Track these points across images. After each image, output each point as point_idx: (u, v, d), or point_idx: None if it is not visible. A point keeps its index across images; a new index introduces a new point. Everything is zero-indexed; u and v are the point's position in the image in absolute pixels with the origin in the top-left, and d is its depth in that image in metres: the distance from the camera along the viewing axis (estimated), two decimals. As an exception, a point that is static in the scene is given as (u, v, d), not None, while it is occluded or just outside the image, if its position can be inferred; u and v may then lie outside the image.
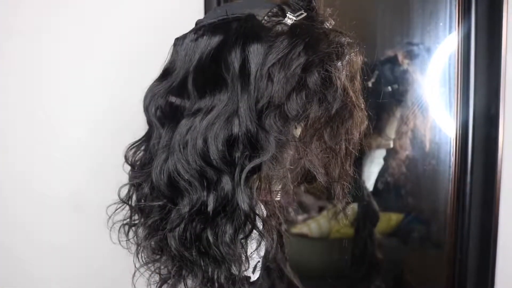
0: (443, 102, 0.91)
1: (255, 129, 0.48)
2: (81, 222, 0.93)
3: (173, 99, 0.53)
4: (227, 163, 0.50)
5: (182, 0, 0.89)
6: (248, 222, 0.51)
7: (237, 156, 0.49)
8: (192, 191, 0.51)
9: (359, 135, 0.58)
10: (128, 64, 0.90)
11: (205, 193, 0.50)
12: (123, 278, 0.61)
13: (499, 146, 0.85)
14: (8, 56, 0.92)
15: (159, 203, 0.53)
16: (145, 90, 0.57)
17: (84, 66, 0.91)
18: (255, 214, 0.51)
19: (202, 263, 0.52)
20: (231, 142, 0.49)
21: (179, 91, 0.53)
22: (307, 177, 0.61)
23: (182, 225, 0.51)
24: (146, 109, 0.56)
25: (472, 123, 0.87)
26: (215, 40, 0.51)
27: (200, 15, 0.85)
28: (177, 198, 0.52)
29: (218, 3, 0.85)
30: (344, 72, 0.54)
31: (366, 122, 0.59)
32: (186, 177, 0.50)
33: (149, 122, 0.57)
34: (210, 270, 0.52)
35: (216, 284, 0.52)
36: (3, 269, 0.97)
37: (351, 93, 0.54)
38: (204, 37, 0.52)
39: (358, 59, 0.59)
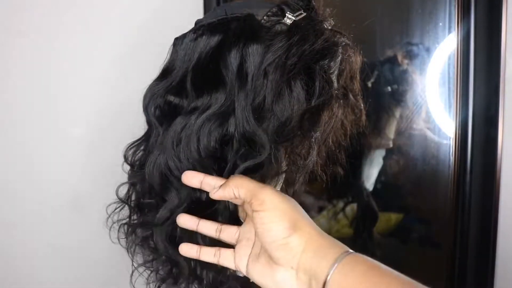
0: (443, 102, 0.91)
1: (252, 129, 0.48)
2: (80, 221, 0.93)
3: (171, 98, 0.53)
4: (218, 162, 0.50)
5: (182, 0, 0.89)
6: (233, 220, 0.51)
7: (230, 155, 0.49)
8: (182, 188, 0.51)
9: (349, 127, 0.59)
10: (128, 64, 0.90)
11: (194, 190, 0.51)
12: (123, 277, 0.61)
13: (499, 146, 0.85)
14: (8, 56, 0.92)
15: (152, 200, 0.54)
16: (145, 90, 0.57)
17: (84, 66, 0.91)
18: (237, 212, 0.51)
19: (191, 261, 0.52)
20: (225, 141, 0.49)
21: (178, 90, 0.53)
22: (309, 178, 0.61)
23: (170, 222, 0.51)
24: (146, 109, 0.56)
25: (471, 123, 0.87)
26: (214, 39, 0.51)
27: (200, 15, 0.85)
28: (167, 195, 0.52)
29: (218, 3, 0.85)
30: (335, 72, 0.54)
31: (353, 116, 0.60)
32: (176, 174, 0.50)
33: (149, 122, 0.57)
34: (198, 268, 0.52)
35: (204, 283, 0.52)
36: (3, 269, 0.97)
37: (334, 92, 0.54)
38: (204, 36, 0.52)
39: (357, 59, 0.59)
